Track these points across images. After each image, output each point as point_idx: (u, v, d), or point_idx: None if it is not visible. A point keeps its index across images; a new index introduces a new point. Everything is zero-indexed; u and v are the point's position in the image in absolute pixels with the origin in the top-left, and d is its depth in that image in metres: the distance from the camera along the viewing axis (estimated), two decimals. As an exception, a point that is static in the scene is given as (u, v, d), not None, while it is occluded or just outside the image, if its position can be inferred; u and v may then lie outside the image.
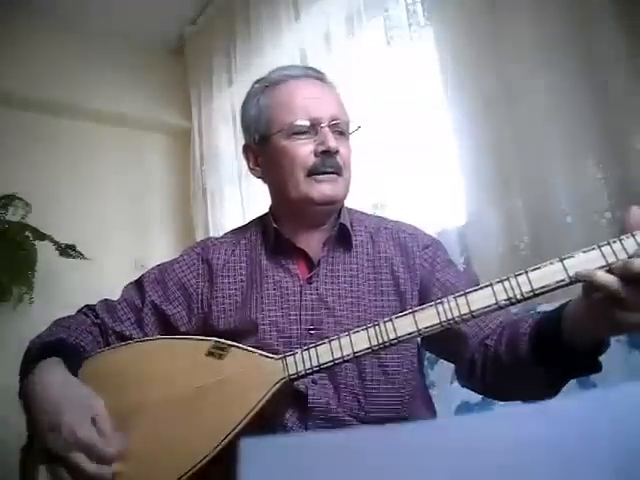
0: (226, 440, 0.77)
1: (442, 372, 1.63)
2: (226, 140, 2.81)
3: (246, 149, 1.13)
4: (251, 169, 1.13)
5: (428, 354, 1.65)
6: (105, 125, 3.03)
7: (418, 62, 1.91)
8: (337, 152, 1.01)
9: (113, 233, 2.89)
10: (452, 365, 1.46)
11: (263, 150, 1.08)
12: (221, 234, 1.20)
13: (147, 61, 3.15)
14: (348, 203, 1.16)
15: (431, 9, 1.85)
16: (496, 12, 1.63)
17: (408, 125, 1.90)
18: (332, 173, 1.01)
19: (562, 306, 0.80)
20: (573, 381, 1.16)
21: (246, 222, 1.20)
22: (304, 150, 1.01)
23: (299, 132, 1.02)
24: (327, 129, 1.01)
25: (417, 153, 1.87)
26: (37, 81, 2.75)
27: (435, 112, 1.84)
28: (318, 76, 1.09)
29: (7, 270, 2.40)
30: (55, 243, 2.51)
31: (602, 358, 1.20)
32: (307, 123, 1.01)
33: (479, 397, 1.58)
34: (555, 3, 1.49)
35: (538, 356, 0.82)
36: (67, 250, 2.53)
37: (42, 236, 2.50)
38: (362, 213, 1.16)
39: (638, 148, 1.34)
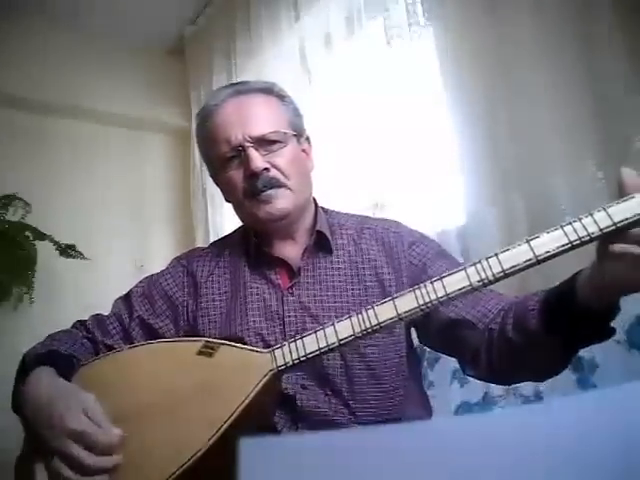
0: (217, 435, 0.78)
1: (442, 372, 1.63)
2: (226, 140, 2.81)
3: (212, 179, 1.15)
4: (223, 195, 1.15)
5: (427, 354, 1.64)
6: (105, 125, 3.02)
7: (418, 62, 1.91)
8: (266, 169, 1.01)
9: (113, 233, 2.88)
10: (451, 366, 1.47)
11: (218, 181, 1.11)
12: (220, 235, 1.21)
13: (147, 61, 3.14)
14: (349, 203, 1.16)
15: (431, 9, 1.85)
16: (496, 12, 1.63)
17: (408, 125, 1.89)
18: (270, 189, 1.01)
19: (572, 278, 0.81)
20: (573, 381, 1.16)
21: (230, 232, 1.21)
22: (237, 178, 1.03)
23: (228, 160, 1.03)
24: (249, 150, 1.01)
25: (417, 153, 1.87)
26: (37, 81, 2.75)
27: (435, 112, 1.84)
28: (239, 90, 1.08)
29: (7, 270, 2.40)
30: (55, 243, 2.51)
31: (602, 359, 1.20)
32: (230, 151, 1.02)
33: (479, 397, 1.58)
34: (555, 3, 1.49)
35: (550, 329, 0.83)
36: (67, 250, 2.52)
37: (42, 236, 2.50)
38: (344, 214, 1.15)
39: (638, 148, 1.34)
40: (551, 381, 1.25)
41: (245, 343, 0.95)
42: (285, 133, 1.05)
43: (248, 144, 1.01)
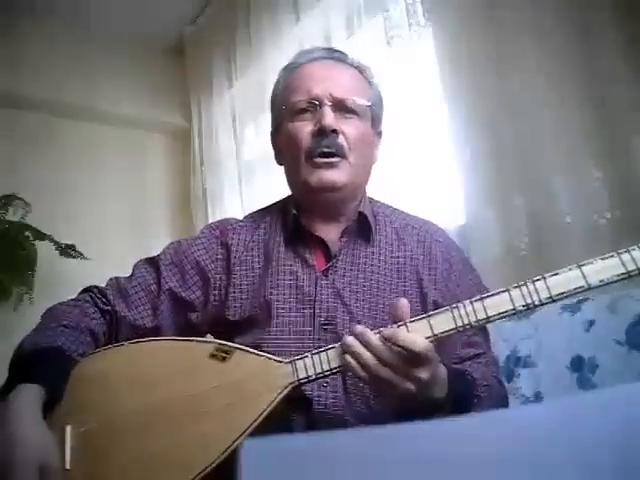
0: (233, 446, 0.75)
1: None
2: (226, 140, 2.81)
3: (271, 137, 1.12)
4: (275, 157, 1.11)
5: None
6: (105, 125, 3.03)
7: (418, 62, 1.91)
8: (335, 131, 0.97)
9: (113, 233, 2.88)
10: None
11: (278, 137, 1.07)
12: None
13: (147, 61, 3.14)
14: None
15: (431, 9, 1.85)
16: (496, 12, 1.63)
17: (408, 125, 1.89)
18: (331, 156, 0.97)
19: None
20: (573, 381, 1.16)
21: (269, 204, 1.15)
22: (304, 131, 0.99)
23: (300, 111, 1.00)
24: (327, 108, 0.98)
25: (417, 153, 1.87)
26: (37, 81, 2.75)
27: (435, 112, 1.84)
28: (334, 56, 1.08)
29: (7, 270, 2.40)
30: (55, 243, 2.51)
31: (602, 359, 1.20)
32: (306, 101, 0.99)
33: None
34: (555, 3, 1.49)
35: None
36: (67, 250, 2.53)
37: (42, 236, 2.50)
38: (388, 206, 1.12)
39: (638, 148, 1.34)
40: (551, 381, 1.26)
41: (272, 324, 0.93)
42: (366, 106, 1.02)
43: (327, 101, 0.98)
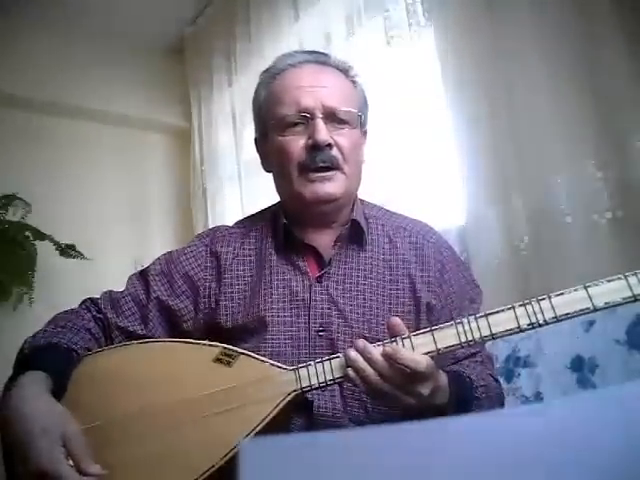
0: (234, 451, 0.75)
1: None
2: (226, 140, 2.81)
3: (255, 144, 1.10)
4: (261, 163, 1.10)
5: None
6: (105, 125, 3.03)
7: (418, 62, 1.91)
8: (329, 145, 0.96)
9: (113, 233, 2.89)
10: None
11: (265, 145, 1.05)
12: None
13: (147, 61, 3.15)
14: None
15: (431, 9, 1.85)
16: (496, 12, 1.63)
17: (408, 125, 1.89)
18: (326, 169, 0.96)
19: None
20: (573, 381, 1.16)
21: (259, 210, 1.14)
22: (296, 145, 0.97)
23: (291, 125, 0.98)
24: (318, 120, 0.95)
25: (417, 153, 1.87)
26: (37, 81, 2.75)
27: (435, 112, 1.84)
28: (320, 60, 1.04)
29: (7, 270, 2.40)
30: (55, 243, 2.51)
31: (602, 359, 1.20)
32: (296, 115, 0.97)
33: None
34: (555, 3, 1.49)
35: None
36: (67, 250, 2.53)
37: (42, 236, 2.50)
38: (380, 209, 1.10)
39: (638, 148, 1.34)
40: (551, 381, 1.26)
41: (268, 330, 0.93)
42: (358, 115, 1.01)
43: (318, 113, 0.96)
